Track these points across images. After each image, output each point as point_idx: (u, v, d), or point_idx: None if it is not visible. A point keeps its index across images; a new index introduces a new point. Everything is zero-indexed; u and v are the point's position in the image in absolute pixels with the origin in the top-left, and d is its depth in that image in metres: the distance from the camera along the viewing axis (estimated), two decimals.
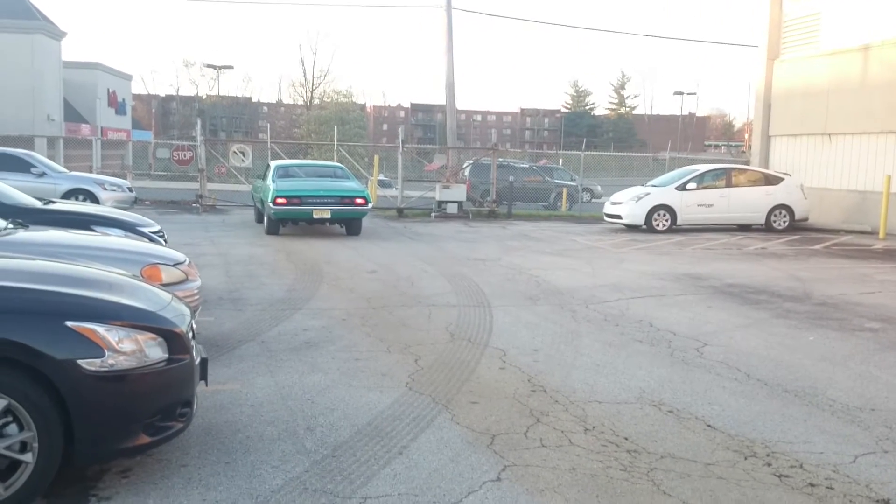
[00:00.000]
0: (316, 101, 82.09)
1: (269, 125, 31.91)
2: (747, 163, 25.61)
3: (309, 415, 5.35)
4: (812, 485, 4.42)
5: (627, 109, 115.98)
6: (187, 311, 4.60)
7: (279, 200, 16.46)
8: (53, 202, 9.77)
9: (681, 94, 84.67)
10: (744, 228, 20.66)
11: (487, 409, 5.58)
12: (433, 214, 22.93)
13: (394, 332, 7.98)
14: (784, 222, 20.40)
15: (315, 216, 16.69)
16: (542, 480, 4.36)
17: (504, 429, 5.19)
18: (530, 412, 5.54)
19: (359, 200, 17.09)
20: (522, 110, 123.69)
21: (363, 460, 4.57)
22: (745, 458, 4.78)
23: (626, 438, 5.06)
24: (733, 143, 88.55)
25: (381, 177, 29.28)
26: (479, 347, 7.44)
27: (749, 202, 20.28)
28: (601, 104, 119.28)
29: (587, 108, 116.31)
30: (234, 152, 24.79)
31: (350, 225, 17.56)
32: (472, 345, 7.55)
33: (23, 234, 6.55)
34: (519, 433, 5.11)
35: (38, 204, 8.79)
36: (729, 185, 20.35)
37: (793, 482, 4.45)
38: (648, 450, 4.87)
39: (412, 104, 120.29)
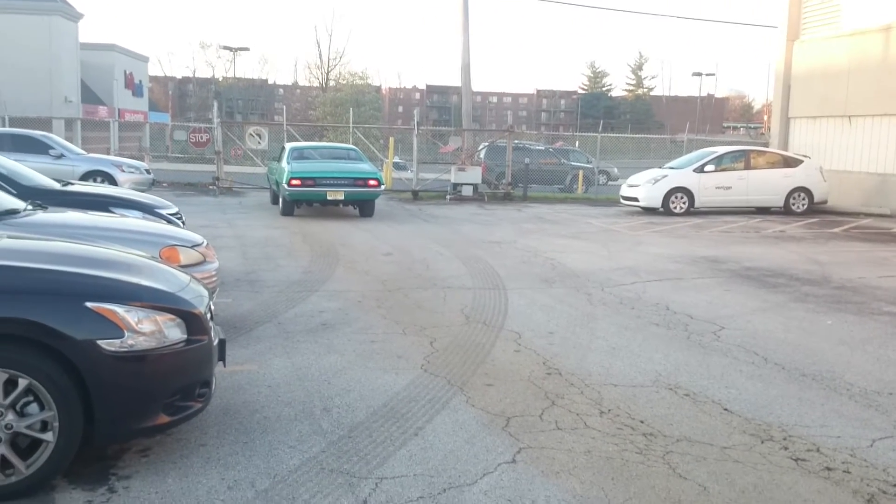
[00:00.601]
0: (332, 83, 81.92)
1: (284, 107, 31.80)
2: (766, 145, 25.37)
3: (325, 396, 5.39)
4: (829, 468, 4.41)
5: (645, 91, 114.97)
6: (205, 293, 4.63)
7: (294, 182, 16.64)
8: (72, 184, 9.83)
9: (699, 75, 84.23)
10: (762, 211, 20.51)
11: (503, 392, 5.59)
12: (448, 197, 22.91)
13: (409, 315, 8.00)
14: (803, 205, 20.22)
15: (329, 197, 16.85)
16: (558, 462, 4.38)
17: (519, 411, 5.20)
18: (545, 395, 5.55)
19: (372, 182, 17.25)
20: (538, 92, 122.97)
21: (379, 441, 4.60)
22: (762, 442, 4.77)
23: (642, 422, 5.06)
24: (752, 125, 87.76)
25: (397, 159, 29.23)
26: (495, 330, 7.45)
27: (768, 185, 20.11)
28: (618, 85, 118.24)
29: (604, 89, 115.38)
30: (251, 134, 24.85)
31: (363, 206, 17.71)
32: (487, 327, 7.56)
33: (42, 216, 6.60)
34: (534, 416, 5.12)
35: (57, 186, 8.84)
36: (747, 167, 20.18)
37: (809, 466, 4.44)
38: (664, 433, 4.87)
39: (427, 86, 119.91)
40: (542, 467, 4.31)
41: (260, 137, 24.76)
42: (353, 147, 20.90)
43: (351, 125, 27.00)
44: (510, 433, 4.80)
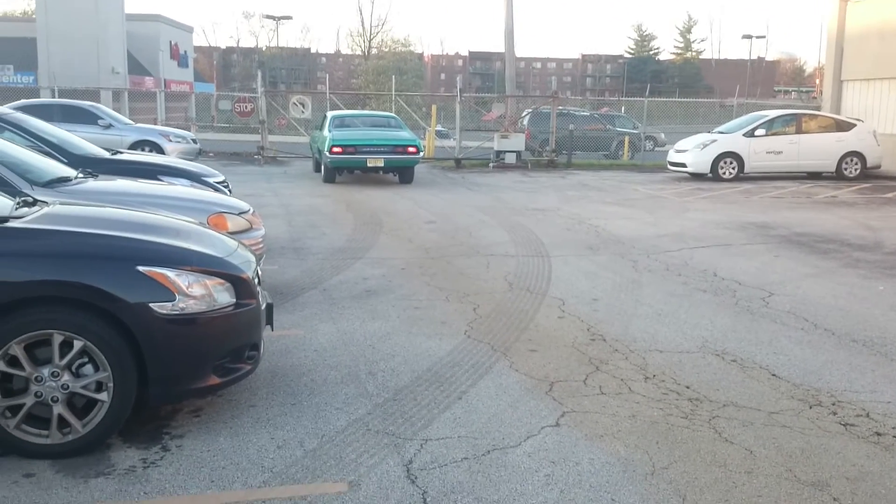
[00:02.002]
0: (374, 51, 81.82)
1: (327, 76, 31.80)
2: (818, 108, 24.74)
3: (370, 360, 5.45)
4: (878, 433, 4.35)
5: (693, 54, 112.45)
6: (252, 259, 4.71)
7: (335, 149, 16.88)
8: (120, 153, 10.00)
9: (749, 37, 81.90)
10: (813, 176, 20.06)
11: (546, 357, 5.60)
12: (491, 164, 22.79)
13: (452, 282, 8.03)
14: (855, 170, 19.72)
15: (369, 164, 17.07)
16: (601, 426, 4.39)
17: (563, 376, 5.21)
18: (589, 360, 5.55)
19: (411, 149, 17.44)
20: (583, 57, 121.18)
21: (423, 404, 4.65)
22: (810, 407, 4.72)
23: (688, 387, 5.03)
24: (804, 89, 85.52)
25: (439, 127, 29.12)
26: (538, 296, 7.44)
27: (819, 149, 19.62)
28: (666, 49, 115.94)
29: (651, 53, 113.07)
30: (294, 104, 24.99)
31: (403, 173, 17.92)
32: (530, 294, 7.55)
33: (93, 183, 6.75)
34: (578, 381, 5.13)
35: (106, 154, 9.00)
36: (799, 131, 19.70)
37: (858, 431, 4.38)
38: (710, 398, 4.84)
39: (470, 52, 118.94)
40: (585, 431, 4.32)
41: (303, 106, 24.89)
42: (394, 115, 20.99)
43: (393, 93, 26.90)
44: (554, 397, 4.81)
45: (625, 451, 4.08)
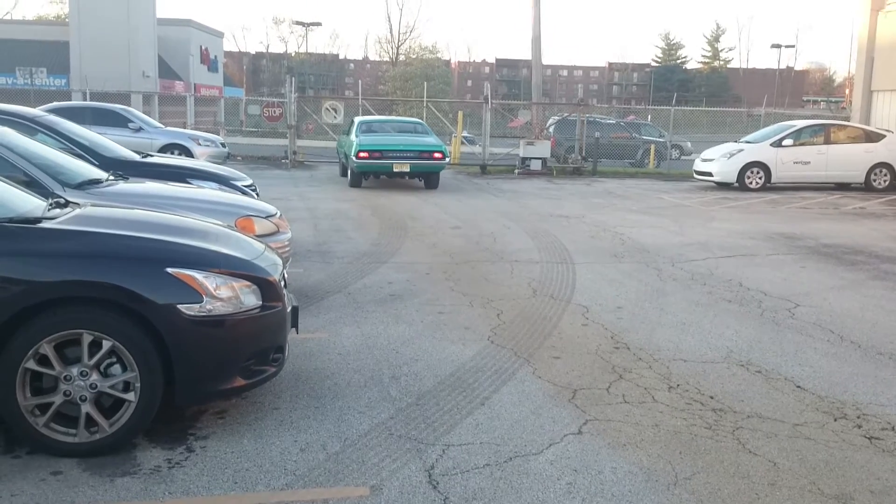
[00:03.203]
0: (401, 58, 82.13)
1: (360, 82, 32.06)
2: (847, 119, 24.47)
3: (394, 364, 5.48)
4: None
5: (721, 63, 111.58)
6: (279, 261, 4.75)
7: (361, 154, 17.03)
8: (150, 156, 10.12)
9: (778, 46, 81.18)
10: (842, 187, 19.84)
11: (569, 365, 5.59)
12: (517, 171, 22.78)
13: (476, 287, 8.04)
14: (885, 181, 19.47)
15: (395, 169, 17.22)
16: (624, 435, 4.37)
17: (586, 384, 5.20)
18: (613, 368, 5.54)
19: (437, 155, 17.56)
20: (610, 65, 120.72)
21: (446, 409, 4.66)
22: (835, 420, 4.67)
23: (712, 397, 5.01)
24: (833, 99, 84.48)
25: (465, 133, 29.18)
26: (562, 303, 7.44)
27: (848, 160, 19.40)
28: (693, 57, 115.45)
29: (678, 61, 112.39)
30: (327, 109, 25.40)
31: (428, 178, 18.05)
32: (554, 301, 7.55)
33: (123, 186, 6.85)
34: (601, 389, 5.12)
35: (137, 157, 9.10)
36: (827, 141, 19.51)
37: (884, 444, 4.33)
38: (734, 409, 4.81)
39: (497, 59, 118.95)
40: (608, 439, 4.31)
41: (336, 112, 25.23)
42: (420, 121, 21.13)
43: (425, 100, 27.04)
44: (576, 405, 4.81)
45: (647, 460, 4.07)
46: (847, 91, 59.07)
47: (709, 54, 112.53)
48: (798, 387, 5.25)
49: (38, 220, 4.21)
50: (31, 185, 5.84)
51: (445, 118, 31.42)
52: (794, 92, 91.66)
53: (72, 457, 3.87)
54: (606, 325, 6.69)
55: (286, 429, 4.32)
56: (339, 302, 7.27)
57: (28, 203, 4.50)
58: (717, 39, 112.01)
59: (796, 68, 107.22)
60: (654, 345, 6.13)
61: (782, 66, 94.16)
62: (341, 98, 33.12)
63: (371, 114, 25.02)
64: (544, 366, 5.55)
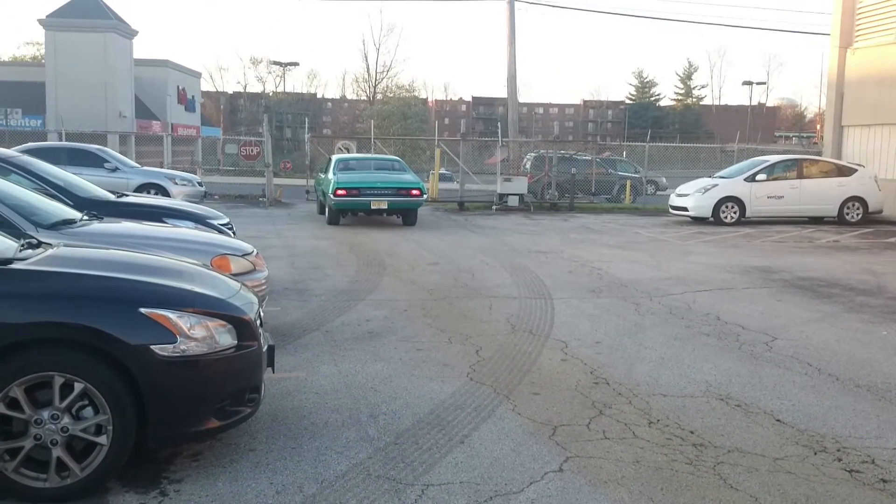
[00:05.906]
0: (379, 96, 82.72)
1: (372, 121, 32.76)
2: (819, 154, 24.85)
3: (372, 403, 5.42)
4: (884, 480, 4.30)
5: (694, 100, 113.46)
6: (255, 300, 4.70)
7: (339, 192, 17.10)
8: (126, 195, 10.05)
9: (750, 83, 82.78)
10: (815, 221, 20.10)
11: (549, 401, 5.56)
12: (494, 207, 22.91)
13: (455, 324, 8.01)
14: (857, 215, 19.77)
15: (373, 207, 17.31)
16: (605, 472, 4.34)
17: (566, 420, 5.17)
18: (593, 404, 5.51)
19: (414, 192, 17.67)
20: (585, 102, 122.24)
21: (425, 448, 4.61)
22: (815, 453, 4.67)
23: (692, 432, 4.99)
24: (805, 134, 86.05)
25: (443, 170, 29.36)
26: (541, 339, 7.42)
27: (821, 194, 19.70)
28: (667, 95, 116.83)
29: (652, 99, 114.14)
30: (339, 148, 26.03)
31: (406, 215, 18.16)
32: (533, 336, 7.53)
33: (98, 226, 6.78)
34: (581, 425, 5.09)
35: (112, 197, 9.04)
36: (800, 176, 19.80)
37: (864, 478, 4.33)
38: (715, 444, 4.79)
39: (473, 98, 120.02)
40: (589, 476, 4.27)
41: (347, 151, 25.57)
42: (398, 158, 21.28)
43: (436, 138, 27.39)
44: (557, 442, 4.77)
45: (629, 497, 4.03)
46: (818, 126, 60.19)
47: (682, 92, 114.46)
48: (777, 420, 5.25)
49: (10, 260, 4.14)
50: (3, 225, 5.77)
51: (423, 155, 31.63)
52: (766, 128, 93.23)
53: (42, 503, 3.77)
54: (585, 360, 6.67)
55: (262, 470, 4.25)
56: (317, 340, 7.21)
57: None
58: (689, 77, 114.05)
59: (768, 104, 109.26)
60: (634, 380, 6.12)
61: (754, 103, 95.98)
62: (354, 137, 33.73)
63: (383, 152, 25.50)
64: (524, 402, 5.51)
